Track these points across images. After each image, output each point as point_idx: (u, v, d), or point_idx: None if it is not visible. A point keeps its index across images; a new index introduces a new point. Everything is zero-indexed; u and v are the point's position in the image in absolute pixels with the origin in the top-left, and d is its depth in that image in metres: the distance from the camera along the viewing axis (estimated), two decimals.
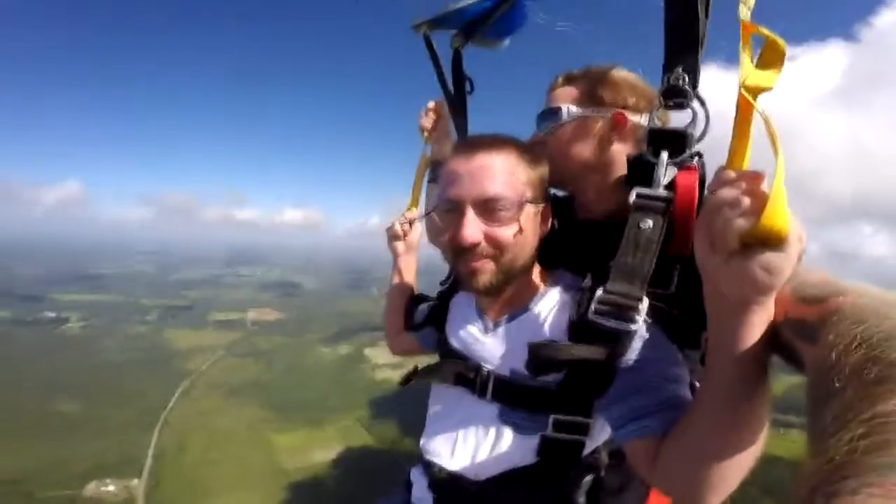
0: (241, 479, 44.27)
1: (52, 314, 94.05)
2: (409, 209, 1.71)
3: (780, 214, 0.58)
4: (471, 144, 1.04)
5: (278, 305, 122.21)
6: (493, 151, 1.01)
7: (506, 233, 0.98)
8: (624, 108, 1.19)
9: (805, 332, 0.60)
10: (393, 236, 1.65)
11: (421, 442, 1.20)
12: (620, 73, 1.22)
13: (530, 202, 1.01)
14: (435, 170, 1.69)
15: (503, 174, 0.99)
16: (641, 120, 1.17)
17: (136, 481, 42.37)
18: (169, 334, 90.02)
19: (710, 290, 0.71)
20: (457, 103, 1.72)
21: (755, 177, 0.63)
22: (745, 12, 0.79)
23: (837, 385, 0.46)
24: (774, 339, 0.67)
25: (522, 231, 0.99)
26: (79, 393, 58.65)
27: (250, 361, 78.52)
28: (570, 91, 1.24)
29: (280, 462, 48.16)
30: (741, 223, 0.61)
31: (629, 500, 1.15)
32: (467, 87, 1.73)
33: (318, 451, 50.54)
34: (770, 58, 0.73)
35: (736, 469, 0.73)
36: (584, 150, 1.20)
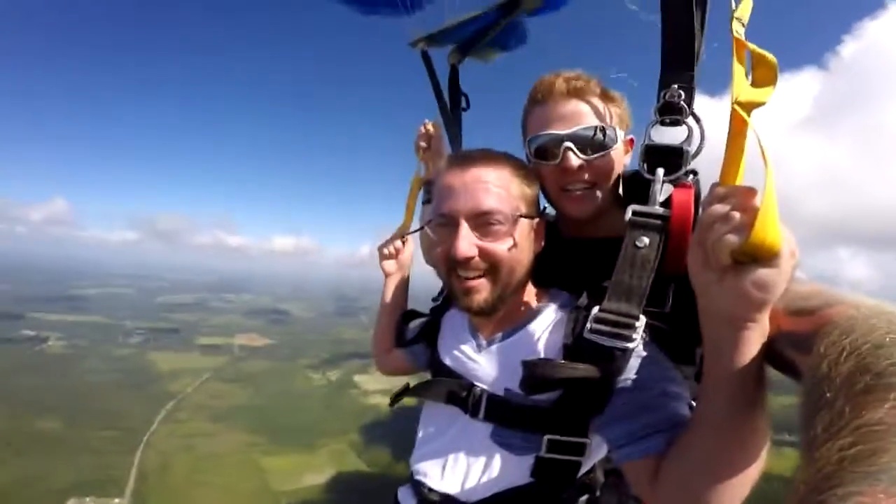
0: (230, 501, 42.66)
1: (30, 333, 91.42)
2: (401, 228, 1.67)
3: (772, 229, 0.57)
4: (465, 158, 1.04)
5: (266, 332, 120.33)
6: (488, 165, 1.00)
7: (500, 247, 0.97)
8: (627, 127, 1.20)
9: (799, 343, 0.61)
10: (385, 255, 1.62)
11: (411, 461, 1.17)
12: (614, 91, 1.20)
13: (525, 217, 1.00)
14: (430, 190, 1.64)
15: (498, 188, 0.98)
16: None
17: (117, 500, 40.68)
18: (153, 356, 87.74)
19: (704, 307, 0.71)
20: (452, 119, 1.76)
21: (747, 192, 0.63)
22: (738, 29, 0.79)
23: (828, 395, 0.47)
24: (770, 351, 0.68)
25: (517, 246, 0.98)
26: (60, 411, 56.54)
27: (237, 386, 76.66)
28: (612, 109, 1.17)
29: (270, 485, 46.62)
30: (732, 239, 0.60)
31: None
32: (462, 103, 1.76)
33: (309, 474, 49.16)
34: (763, 74, 0.73)
35: (738, 486, 0.71)
36: (616, 173, 1.18)
